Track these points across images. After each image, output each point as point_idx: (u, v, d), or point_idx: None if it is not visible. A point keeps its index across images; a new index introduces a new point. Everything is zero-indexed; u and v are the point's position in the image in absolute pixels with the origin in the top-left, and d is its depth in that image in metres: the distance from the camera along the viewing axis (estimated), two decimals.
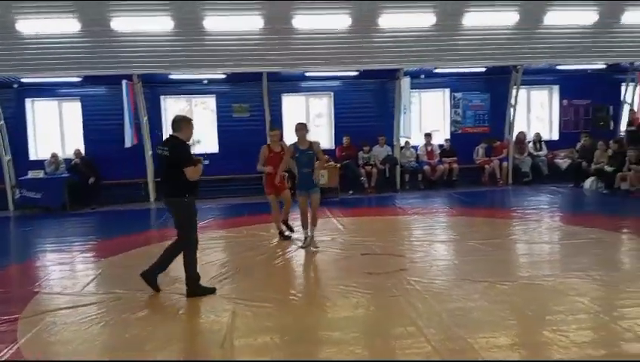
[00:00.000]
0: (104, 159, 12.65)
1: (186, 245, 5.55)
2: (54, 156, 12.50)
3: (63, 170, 12.50)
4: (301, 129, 7.57)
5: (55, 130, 13.48)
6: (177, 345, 4.40)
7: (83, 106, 13.14)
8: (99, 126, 12.89)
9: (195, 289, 5.48)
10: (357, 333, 4.43)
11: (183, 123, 5.55)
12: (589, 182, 12.34)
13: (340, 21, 11.75)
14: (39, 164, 12.56)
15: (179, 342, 4.49)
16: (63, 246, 8.23)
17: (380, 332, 4.38)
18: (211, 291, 5.53)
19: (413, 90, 13.49)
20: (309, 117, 14.27)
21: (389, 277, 5.80)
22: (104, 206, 12.26)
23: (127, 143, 12.16)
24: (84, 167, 12.43)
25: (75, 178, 12.30)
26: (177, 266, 5.62)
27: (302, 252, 7.27)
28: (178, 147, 5.46)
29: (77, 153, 12.59)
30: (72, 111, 13.32)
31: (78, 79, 12.64)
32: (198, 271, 5.58)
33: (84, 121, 13.13)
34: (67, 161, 12.71)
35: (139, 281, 5.79)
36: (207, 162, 5.96)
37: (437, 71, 13.63)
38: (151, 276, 5.59)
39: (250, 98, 13.46)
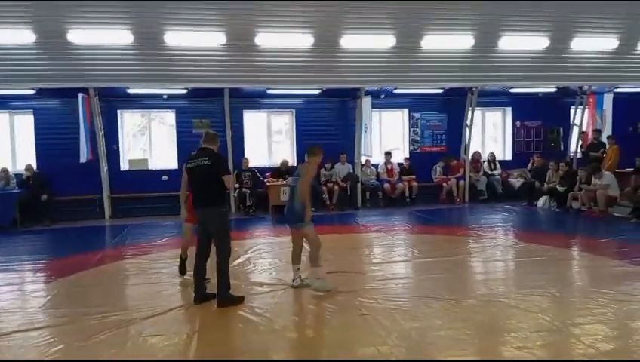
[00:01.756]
0: (57, 174, 12.24)
1: (224, 252, 5.60)
2: (4, 171, 11.98)
3: (13, 186, 11.99)
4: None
5: (5, 144, 12.94)
6: None
7: (36, 119, 12.70)
8: (52, 140, 12.47)
9: (226, 298, 5.55)
10: (328, 353, 4.40)
11: (214, 137, 5.88)
12: (542, 201, 12.79)
13: (302, 40, 11.84)
14: None
15: None
16: (14, 266, 7.85)
17: (350, 352, 4.36)
18: (241, 300, 5.62)
19: (374, 110, 13.73)
20: (270, 133, 14.28)
21: (355, 296, 5.80)
22: (57, 223, 11.82)
23: (83, 158, 11.82)
24: (35, 182, 11.96)
25: (26, 194, 11.81)
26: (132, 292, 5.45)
27: (267, 269, 7.19)
28: (220, 157, 5.77)
29: (28, 168, 12.12)
30: (24, 124, 12.85)
31: (32, 91, 12.21)
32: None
33: (36, 135, 12.69)
34: (18, 176, 12.20)
35: (97, 301, 5.66)
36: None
37: (397, 91, 13.92)
38: (228, 299, 5.56)
39: (211, 114, 13.34)
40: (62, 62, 11.29)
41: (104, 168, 12.55)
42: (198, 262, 5.76)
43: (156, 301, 5.78)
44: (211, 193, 5.60)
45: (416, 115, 14.69)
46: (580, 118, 14.85)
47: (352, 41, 12.05)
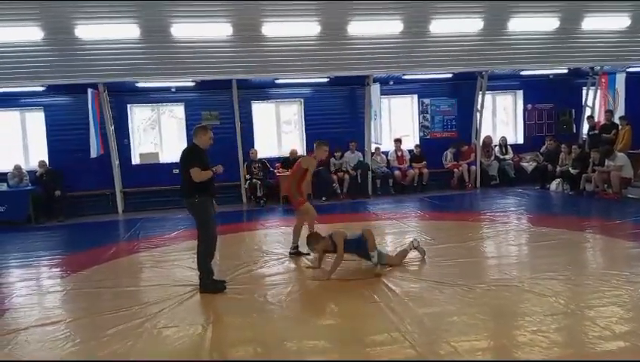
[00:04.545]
0: (70, 170, 12.36)
1: (203, 241, 5.86)
2: (18, 168, 12.11)
3: (27, 183, 12.12)
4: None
5: (18, 141, 13.06)
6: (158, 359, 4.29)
7: (47, 116, 12.81)
8: (64, 136, 12.59)
9: (207, 283, 5.80)
10: (342, 341, 4.41)
11: (197, 130, 6.05)
12: (554, 184, 12.68)
13: (309, 28, 11.79)
14: (2, 177, 12.15)
15: (159, 356, 4.37)
16: (30, 261, 7.94)
17: (364, 339, 4.36)
18: (222, 288, 5.82)
19: (383, 96, 13.63)
20: (279, 124, 14.28)
21: (368, 283, 5.81)
22: (71, 218, 11.94)
23: (93, 153, 11.90)
24: (49, 178, 12.08)
25: (40, 190, 11.94)
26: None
27: (284, 261, 7.22)
28: (188, 151, 5.96)
29: (41, 164, 12.23)
30: (36, 121, 12.95)
31: (42, 88, 12.30)
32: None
33: (48, 132, 12.81)
34: (31, 172, 12.33)
35: (111, 295, 5.71)
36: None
37: (405, 77, 13.83)
38: (206, 287, 5.79)
39: (219, 106, 13.37)
40: (70, 58, 11.38)
41: (115, 163, 12.63)
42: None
43: (170, 293, 5.83)
44: (184, 185, 5.88)
45: (426, 101, 14.59)
46: (592, 100, 14.64)
47: (359, 27, 11.98)
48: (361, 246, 6.30)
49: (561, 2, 12.31)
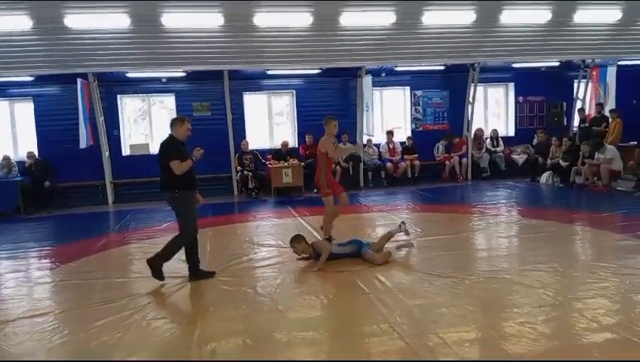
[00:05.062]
0: (59, 161, 12.26)
1: (184, 234, 5.90)
2: (6, 158, 12.00)
3: (15, 173, 12.02)
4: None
5: (7, 132, 12.93)
6: (147, 352, 4.28)
7: (36, 106, 12.68)
8: (53, 126, 12.50)
9: (155, 265, 5.80)
10: (331, 332, 4.43)
11: (175, 122, 6.03)
12: (545, 177, 12.75)
13: (301, 19, 11.73)
14: None
15: (148, 348, 4.37)
16: (19, 253, 7.89)
17: (353, 330, 4.38)
18: (161, 278, 5.80)
19: (375, 88, 13.60)
20: (271, 115, 14.22)
21: (358, 275, 5.82)
22: (60, 209, 11.87)
23: (82, 144, 11.82)
24: (38, 169, 11.98)
25: (28, 181, 11.85)
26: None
27: (271, 251, 7.21)
28: (166, 144, 5.89)
29: (30, 155, 12.13)
30: (25, 111, 12.82)
31: (31, 78, 12.18)
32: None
33: (37, 122, 12.70)
34: (20, 163, 12.22)
35: (100, 287, 5.69)
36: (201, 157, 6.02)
37: (398, 69, 13.80)
38: (157, 264, 5.80)
39: (211, 96, 13.30)
40: (60, 48, 11.26)
41: (105, 154, 12.55)
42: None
43: (160, 284, 5.81)
44: (163, 178, 5.86)
45: (418, 93, 14.59)
46: (584, 92, 14.69)
47: (351, 18, 11.93)
48: (355, 253, 6.37)
49: None
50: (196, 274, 5.95)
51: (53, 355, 4.19)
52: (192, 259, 6.03)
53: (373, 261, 6.22)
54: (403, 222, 7.28)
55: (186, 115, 13.02)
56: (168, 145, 5.88)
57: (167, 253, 5.88)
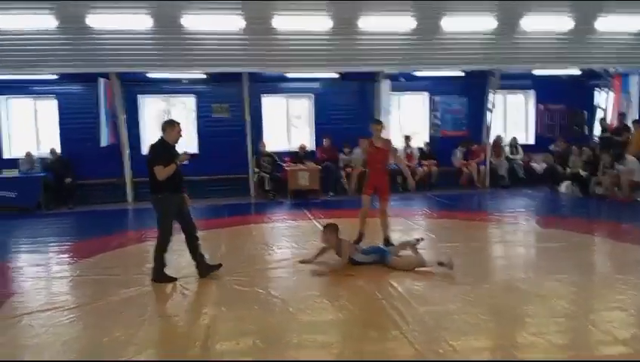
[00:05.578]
0: (80, 158, 12.46)
1: (160, 238, 5.96)
2: (29, 155, 12.24)
3: (38, 169, 12.24)
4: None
5: (30, 128, 13.19)
6: (158, 349, 4.34)
7: (59, 104, 12.90)
8: (75, 124, 12.68)
9: (158, 276, 5.88)
10: (342, 336, 4.44)
11: (166, 126, 6.01)
12: (564, 186, 12.58)
13: (320, 23, 11.75)
14: (13, 163, 12.30)
15: (159, 345, 4.42)
16: (39, 247, 8.04)
17: (364, 335, 4.38)
18: (173, 279, 5.89)
19: (394, 93, 13.57)
20: (289, 118, 14.28)
21: (370, 279, 5.82)
22: (80, 206, 12.05)
23: (103, 142, 12.01)
24: (59, 165, 12.19)
25: (50, 177, 12.06)
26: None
27: (285, 252, 7.24)
28: (153, 148, 5.96)
29: (52, 152, 12.36)
30: (48, 109, 13.06)
31: (55, 77, 12.41)
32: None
33: (60, 119, 12.90)
34: (42, 159, 12.45)
35: (116, 283, 5.79)
36: (186, 162, 6.07)
37: (416, 74, 13.75)
38: (161, 278, 5.88)
39: (229, 98, 13.37)
40: (83, 47, 11.40)
41: (126, 152, 12.71)
42: (186, 241, 6.15)
43: (174, 282, 5.87)
44: (150, 181, 5.89)
45: (437, 99, 14.52)
46: (605, 102, 14.48)
47: (371, 23, 11.92)
48: (378, 261, 6.32)
49: (576, 2, 12.15)
50: (205, 269, 6.03)
51: (67, 349, 4.26)
52: (197, 258, 6.10)
53: (404, 267, 6.15)
54: (421, 239, 6.88)
55: (206, 115, 13.41)
56: (155, 148, 5.93)
57: (157, 264, 5.92)
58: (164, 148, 5.89)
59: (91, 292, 5.72)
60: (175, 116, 13.64)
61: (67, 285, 6.13)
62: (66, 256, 7.53)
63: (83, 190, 12.53)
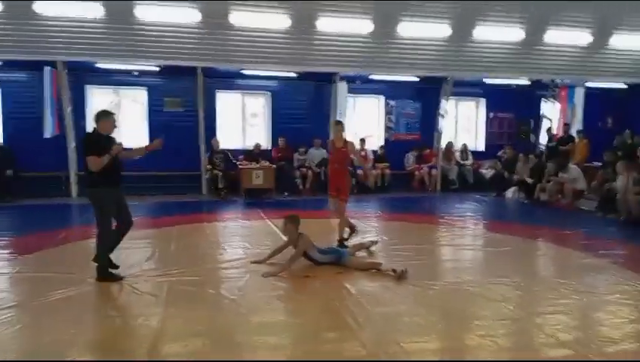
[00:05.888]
0: (23, 149, 11.87)
1: (100, 233, 5.76)
2: None
3: None
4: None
5: None
6: (103, 350, 4.17)
7: (2, 92, 12.28)
8: (18, 114, 12.11)
9: (103, 274, 5.68)
10: (293, 337, 4.40)
11: (99, 116, 5.80)
12: (510, 192, 12.98)
13: (279, 21, 11.68)
14: None
15: (104, 346, 4.25)
16: None
17: (316, 336, 4.35)
18: (119, 278, 5.69)
19: (350, 95, 13.65)
20: (244, 115, 14.12)
21: (323, 281, 5.80)
22: (22, 199, 11.50)
23: (47, 133, 11.53)
24: (0, 156, 11.59)
25: None
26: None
27: (237, 252, 7.12)
28: (84, 140, 5.93)
29: None
30: None
31: None
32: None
33: (2, 108, 12.28)
34: None
35: (58, 281, 5.56)
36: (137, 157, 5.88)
37: (373, 77, 13.87)
38: (106, 275, 5.68)
39: (183, 93, 13.09)
40: (28, 34, 10.91)
41: (72, 145, 12.22)
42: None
43: (118, 281, 5.67)
44: (86, 174, 5.74)
45: (392, 103, 14.70)
46: (551, 112, 15.04)
47: (329, 24, 11.94)
48: (335, 262, 6.31)
49: (527, 14, 12.58)
50: (101, 276, 5.72)
51: (5, 349, 4.04)
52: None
53: (359, 266, 6.21)
54: (376, 241, 7.34)
55: (158, 110, 13.07)
56: (88, 139, 5.78)
57: (101, 262, 5.72)
58: (98, 139, 5.66)
59: (31, 290, 5.45)
60: (125, 109, 13.38)
61: (6, 282, 5.83)
62: (5, 251, 7.14)
63: (24, 182, 11.95)
